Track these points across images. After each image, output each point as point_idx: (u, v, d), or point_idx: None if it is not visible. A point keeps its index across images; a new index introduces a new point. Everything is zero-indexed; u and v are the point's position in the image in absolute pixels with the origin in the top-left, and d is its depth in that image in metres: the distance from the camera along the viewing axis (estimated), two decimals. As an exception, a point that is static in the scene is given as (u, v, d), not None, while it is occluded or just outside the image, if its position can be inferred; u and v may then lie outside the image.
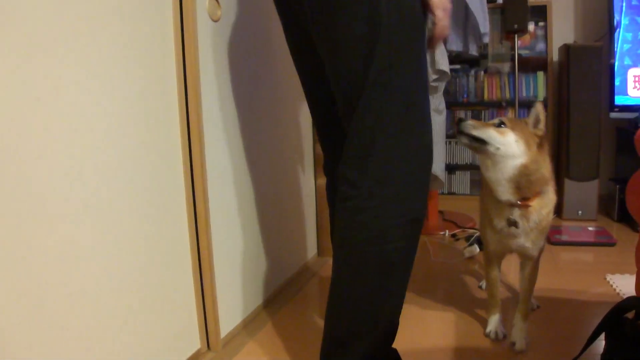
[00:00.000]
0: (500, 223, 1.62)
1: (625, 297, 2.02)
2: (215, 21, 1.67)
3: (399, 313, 1.24)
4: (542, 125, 1.55)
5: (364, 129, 1.14)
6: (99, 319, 1.24)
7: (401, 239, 1.15)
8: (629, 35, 3.31)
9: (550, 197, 1.60)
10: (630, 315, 1.19)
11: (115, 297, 1.29)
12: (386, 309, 1.20)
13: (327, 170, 1.54)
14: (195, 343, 1.65)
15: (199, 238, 1.63)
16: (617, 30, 3.31)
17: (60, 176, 1.13)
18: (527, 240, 1.62)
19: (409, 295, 2.14)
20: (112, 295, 1.28)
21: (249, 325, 1.92)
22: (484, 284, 2.21)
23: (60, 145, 1.12)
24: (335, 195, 1.48)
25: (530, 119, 1.56)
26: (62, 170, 1.13)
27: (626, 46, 3.32)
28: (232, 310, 1.83)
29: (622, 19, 3.30)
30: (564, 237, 2.87)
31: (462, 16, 3.26)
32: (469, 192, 3.89)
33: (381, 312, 1.18)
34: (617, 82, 3.32)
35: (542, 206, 1.58)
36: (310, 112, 1.52)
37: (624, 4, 3.29)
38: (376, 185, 1.12)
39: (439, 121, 2.94)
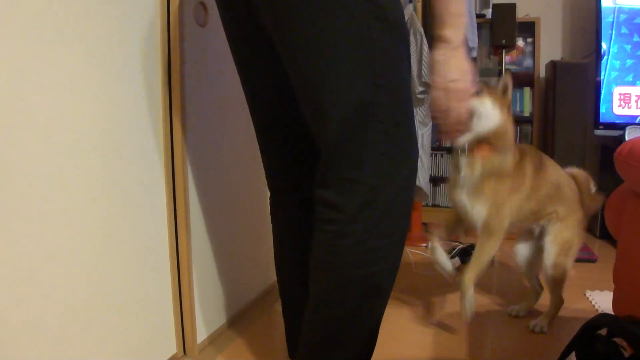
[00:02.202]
0: (452, 172, 1.80)
1: (603, 312, 2.04)
2: (202, 26, 1.67)
3: (378, 329, 1.23)
4: (509, 95, 1.71)
5: (347, 150, 1.07)
6: (74, 321, 1.23)
7: (386, 261, 1.12)
8: (617, 63, 3.34)
9: (503, 167, 1.72)
10: (603, 332, 1.20)
11: (92, 299, 1.28)
12: (367, 328, 1.19)
13: (273, 184, 1.46)
14: (171, 347, 1.63)
15: (178, 242, 1.62)
16: (606, 57, 3.35)
17: (41, 176, 1.12)
18: (467, 196, 1.74)
19: (388, 306, 2.14)
20: (89, 297, 1.27)
21: (226, 331, 1.91)
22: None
23: (42, 146, 1.12)
24: (280, 209, 1.46)
25: (500, 87, 1.71)
26: (42, 170, 1.12)
27: (614, 74, 3.35)
28: (209, 315, 1.82)
29: (611, 47, 3.34)
30: (546, 252, 2.88)
31: (451, 30, 3.28)
32: (453, 205, 3.90)
33: (362, 331, 1.17)
34: (602, 109, 3.35)
35: (493, 163, 1.70)
36: (253, 115, 1.40)
37: (614, 32, 3.33)
38: (361, 209, 1.07)
39: (424, 133, 2.95)
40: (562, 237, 1.87)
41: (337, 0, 1.01)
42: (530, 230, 1.98)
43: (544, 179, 1.86)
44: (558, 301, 1.95)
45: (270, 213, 1.49)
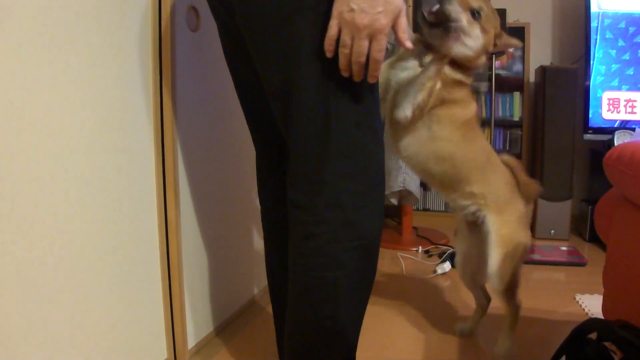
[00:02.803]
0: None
1: (592, 317, 2.05)
2: (194, 31, 1.67)
3: (357, 335, 1.21)
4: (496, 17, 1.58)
5: (310, 151, 1.07)
6: (64, 327, 1.22)
7: (353, 264, 1.10)
8: (602, 68, 3.37)
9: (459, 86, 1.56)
10: (593, 336, 1.20)
11: (83, 305, 1.28)
12: (346, 334, 1.16)
13: (264, 187, 1.47)
14: (162, 353, 1.63)
15: (169, 247, 1.62)
16: (591, 62, 3.38)
17: (31, 181, 1.12)
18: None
19: (379, 310, 2.14)
20: (79, 303, 1.27)
21: (217, 337, 1.91)
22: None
23: (32, 150, 1.12)
24: (269, 215, 1.46)
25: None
26: (33, 175, 1.12)
27: (599, 79, 3.38)
28: (200, 320, 1.81)
29: (596, 52, 3.36)
30: (536, 257, 2.90)
31: (441, 35, 3.30)
32: (443, 209, 3.91)
33: (340, 337, 1.16)
34: (590, 114, 3.39)
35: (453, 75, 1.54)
36: (247, 123, 1.43)
37: (598, 37, 3.36)
38: (327, 210, 1.06)
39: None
40: (504, 236, 1.61)
41: (300, 8, 1.02)
42: (466, 222, 1.77)
43: (477, 136, 1.65)
44: (516, 309, 1.71)
45: (262, 223, 1.49)
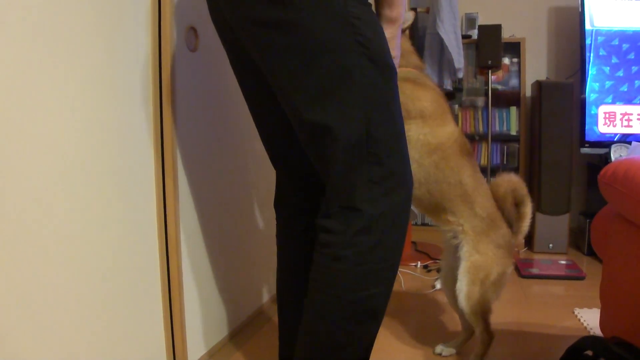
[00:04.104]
0: None
1: (592, 331, 2.05)
2: (193, 51, 1.69)
3: (370, 352, 1.24)
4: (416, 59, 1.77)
5: (345, 182, 1.11)
6: (65, 344, 1.23)
7: (379, 284, 1.14)
8: (596, 85, 3.40)
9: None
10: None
11: (83, 323, 1.29)
12: (359, 351, 1.19)
13: (281, 203, 1.50)
14: (162, 371, 1.63)
15: (169, 265, 1.62)
16: (586, 77, 3.42)
17: (32, 200, 1.13)
18: None
19: (379, 327, 2.14)
20: (80, 321, 1.28)
21: (217, 354, 1.91)
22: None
23: (31, 172, 1.13)
24: (285, 231, 1.49)
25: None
26: (32, 197, 1.13)
27: (593, 96, 3.41)
28: (200, 337, 1.82)
29: (590, 69, 3.40)
30: (535, 270, 2.91)
31: (438, 51, 3.33)
32: (442, 224, 3.92)
33: (354, 354, 1.18)
34: (586, 128, 3.42)
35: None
36: (264, 143, 1.47)
37: (592, 54, 3.39)
38: (358, 234, 1.10)
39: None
40: (473, 263, 1.66)
41: (326, 48, 1.06)
42: (450, 247, 1.79)
43: (461, 165, 1.66)
44: (486, 336, 1.71)
45: (276, 237, 1.53)
